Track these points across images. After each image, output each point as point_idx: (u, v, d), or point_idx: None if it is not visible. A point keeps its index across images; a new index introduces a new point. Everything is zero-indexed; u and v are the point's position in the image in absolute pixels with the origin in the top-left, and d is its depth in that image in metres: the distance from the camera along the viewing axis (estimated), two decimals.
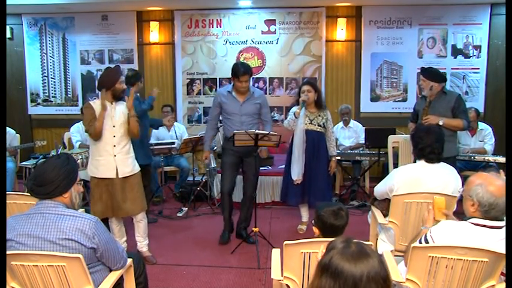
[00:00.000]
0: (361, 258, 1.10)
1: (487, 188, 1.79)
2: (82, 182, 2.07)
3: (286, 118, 4.04)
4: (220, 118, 3.89)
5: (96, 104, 3.17)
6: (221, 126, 4.02)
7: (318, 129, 3.87)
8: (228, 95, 3.73)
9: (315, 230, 2.04)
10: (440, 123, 3.51)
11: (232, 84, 3.77)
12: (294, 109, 3.79)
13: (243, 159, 3.81)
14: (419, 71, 5.62)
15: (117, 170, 3.19)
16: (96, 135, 3.14)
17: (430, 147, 2.64)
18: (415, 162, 2.80)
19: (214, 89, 6.00)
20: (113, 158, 3.18)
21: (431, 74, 3.67)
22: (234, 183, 3.89)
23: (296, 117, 3.72)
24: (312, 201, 3.96)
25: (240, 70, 3.58)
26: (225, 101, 3.73)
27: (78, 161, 4.29)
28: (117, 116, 3.19)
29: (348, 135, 5.35)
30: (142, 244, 3.43)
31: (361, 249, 1.13)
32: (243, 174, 3.95)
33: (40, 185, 1.84)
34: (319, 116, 3.89)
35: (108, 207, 3.22)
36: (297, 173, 3.83)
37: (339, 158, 4.82)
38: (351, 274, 1.08)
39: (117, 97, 3.21)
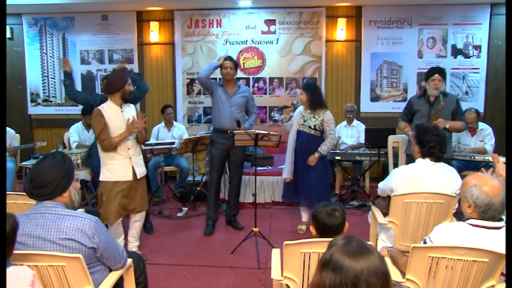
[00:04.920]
0: (361, 254, 1.11)
1: (481, 188, 1.79)
2: (79, 179, 2.06)
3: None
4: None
5: (104, 109, 3.11)
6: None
7: (308, 131, 3.85)
8: (221, 88, 4.05)
9: (312, 230, 2.04)
10: (447, 126, 3.62)
11: (221, 78, 4.12)
12: (298, 110, 3.95)
13: (229, 151, 4.04)
14: (419, 71, 5.71)
15: (133, 171, 3.21)
16: (111, 149, 3.11)
17: (440, 145, 2.67)
18: (414, 161, 2.81)
19: None
20: (129, 160, 3.20)
21: (445, 75, 3.78)
22: (222, 173, 4.21)
23: (285, 122, 3.97)
24: (303, 202, 4.00)
25: (223, 57, 4.03)
26: (219, 89, 4.03)
27: (78, 161, 4.31)
28: (128, 118, 3.19)
29: (350, 134, 5.36)
30: (133, 245, 3.44)
31: (362, 245, 1.14)
32: (228, 165, 4.21)
33: (38, 187, 1.82)
34: (314, 117, 3.84)
35: (122, 208, 3.22)
36: (286, 171, 3.95)
37: (338, 158, 4.84)
38: (352, 268, 1.08)
39: (126, 99, 3.20)
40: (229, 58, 4.04)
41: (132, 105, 3.31)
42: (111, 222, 3.16)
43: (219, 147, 4.05)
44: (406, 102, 4.12)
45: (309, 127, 3.84)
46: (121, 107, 3.17)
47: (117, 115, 3.14)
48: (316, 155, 3.80)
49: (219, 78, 4.18)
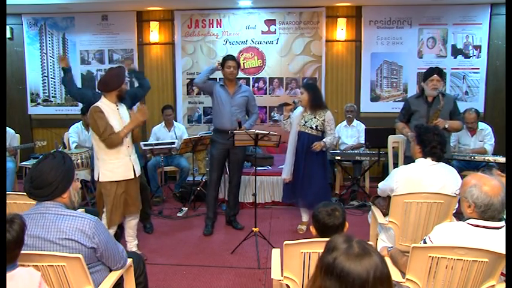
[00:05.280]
0: (365, 257, 1.11)
1: (481, 188, 1.79)
2: (79, 179, 2.06)
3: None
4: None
5: (102, 106, 3.09)
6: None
7: (310, 132, 3.85)
8: (221, 88, 4.04)
9: (312, 230, 2.04)
10: (446, 126, 3.63)
11: (222, 78, 4.14)
12: (298, 110, 3.93)
13: (229, 151, 4.04)
14: (419, 71, 5.71)
15: (133, 169, 3.22)
16: (118, 144, 3.08)
17: (441, 145, 2.67)
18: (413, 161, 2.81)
19: None
20: (129, 158, 3.20)
21: (444, 75, 3.74)
22: (222, 173, 4.22)
23: (284, 120, 3.96)
24: (301, 203, 4.00)
25: (226, 56, 4.03)
26: (219, 90, 4.02)
27: (78, 161, 4.30)
28: (124, 116, 3.19)
29: (350, 134, 5.36)
30: (132, 244, 3.43)
31: (364, 248, 1.14)
32: (228, 165, 4.22)
33: (38, 188, 1.82)
34: (315, 117, 3.85)
35: (125, 207, 3.22)
36: (285, 172, 3.95)
37: (338, 158, 4.85)
38: (358, 275, 1.08)
39: (122, 98, 3.20)
40: (231, 57, 4.01)
41: (124, 105, 3.27)
42: (116, 223, 3.15)
43: (220, 147, 4.05)
44: (404, 103, 4.12)
45: (311, 128, 3.84)
46: (117, 105, 3.17)
47: (114, 113, 3.13)
48: (322, 143, 3.79)
49: (219, 78, 4.18)
